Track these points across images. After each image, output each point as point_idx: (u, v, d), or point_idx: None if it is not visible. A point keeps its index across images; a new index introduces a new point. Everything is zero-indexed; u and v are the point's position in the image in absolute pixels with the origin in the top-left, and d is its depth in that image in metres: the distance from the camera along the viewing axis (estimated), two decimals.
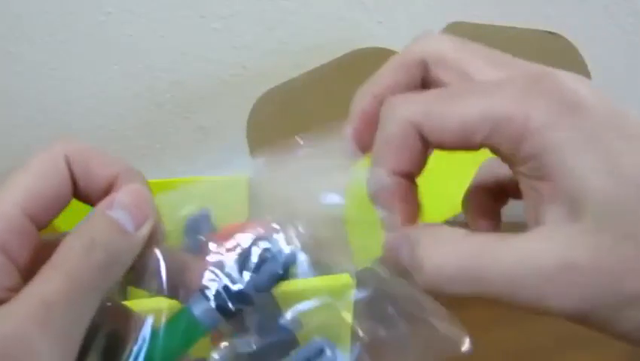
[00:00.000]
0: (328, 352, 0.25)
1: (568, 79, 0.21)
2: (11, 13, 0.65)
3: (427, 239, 0.23)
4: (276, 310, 0.37)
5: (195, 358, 0.35)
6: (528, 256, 0.20)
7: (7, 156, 0.73)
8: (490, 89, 0.22)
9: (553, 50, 0.45)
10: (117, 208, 0.25)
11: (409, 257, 0.23)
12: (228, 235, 0.54)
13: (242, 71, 0.71)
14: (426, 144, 0.23)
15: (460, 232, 0.22)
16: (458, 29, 0.58)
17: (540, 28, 0.58)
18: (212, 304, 0.26)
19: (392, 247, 0.25)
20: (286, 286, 0.37)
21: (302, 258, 0.26)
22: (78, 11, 0.66)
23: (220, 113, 0.73)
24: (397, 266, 0.24)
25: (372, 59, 0.59)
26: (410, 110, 0.23)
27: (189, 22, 0.68)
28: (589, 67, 0.60)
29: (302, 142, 0.28)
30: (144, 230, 0.25)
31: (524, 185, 0.22)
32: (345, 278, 0.38)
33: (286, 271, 0.27)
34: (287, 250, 0.26)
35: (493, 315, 0.50)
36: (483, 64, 0.23)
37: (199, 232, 0.55)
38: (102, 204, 0.25)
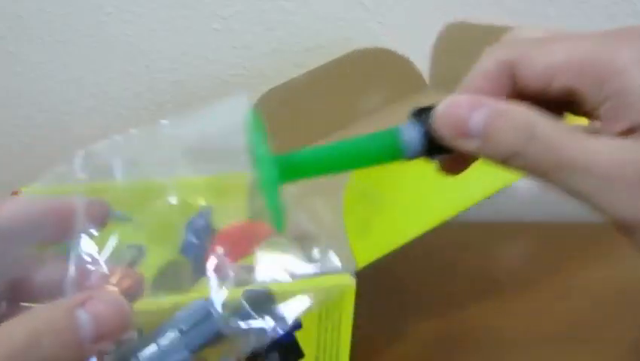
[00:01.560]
0: (215, 313, 0.24)
1: None
2: (11, 13, 0.65)
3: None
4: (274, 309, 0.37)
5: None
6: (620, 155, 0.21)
7: (7, 156, 0.73)
8: (576, 36, 0.23)
9: None
10: (89, 315, 0.22)
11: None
12: (228, 236, 0.54)
13: (242, 71, 0.71)
14: (513, 86, 0.24)
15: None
16: (458, 29, 0.58)
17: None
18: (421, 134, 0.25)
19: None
20: (286, 287, 0.37)
21: None
22: (78, 11, 0.66)
23: None
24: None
25: (372, 59, 0.59)
26: (507, 50, 0.24)
27: (189, 22, 0.68)
28: None
29: None
30: (101, 346, 0.23)
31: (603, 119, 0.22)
32: (345, 278, 0.38)
33: None
34: None
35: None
36: None
37: (199, 231, 0.55)
38: (76, 298, 0.23)
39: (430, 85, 0.60)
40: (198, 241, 0.55)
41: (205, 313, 0.24)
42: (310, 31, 0.70)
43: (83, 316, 0.22)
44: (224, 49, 0.69)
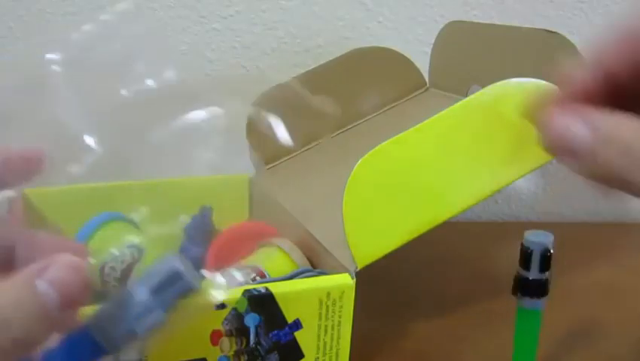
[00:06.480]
0: (186, 276, 0.24)
1: None
2: (11, 13, 0.65)
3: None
4: (278, 314, 0.37)
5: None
6: None
7: None
8: None
9: (553, 50, 0.45)
10: (47, 283, 0.21)
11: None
12: (228, 236, 0.54)
13: (242, 71, 0.71)
14: None
15: None
16: (458, 29, 0.58)
17: (540, 28, 0.58)
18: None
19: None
20: (286, 287, 0.37)
21: None
22: (78, 11, 0.66)
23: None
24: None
25: (372, 58, 0.59)
26: None
27: (189, 22, 0.68)
28: None
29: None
30: (70, 313, 0.22)
31: None
32: (345, 278, 0.38)
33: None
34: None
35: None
36: None
37: (200, 231, 0.55)
38: (32, 269, 0.22)
39: (430, 84, 0.60)
40: (198, 241, 0.55)
41: (174, 272, 0.24)
42: (310, 31, 0.70)
43: (43, 285, 0.21)
44: (224, 49, 0.69)
